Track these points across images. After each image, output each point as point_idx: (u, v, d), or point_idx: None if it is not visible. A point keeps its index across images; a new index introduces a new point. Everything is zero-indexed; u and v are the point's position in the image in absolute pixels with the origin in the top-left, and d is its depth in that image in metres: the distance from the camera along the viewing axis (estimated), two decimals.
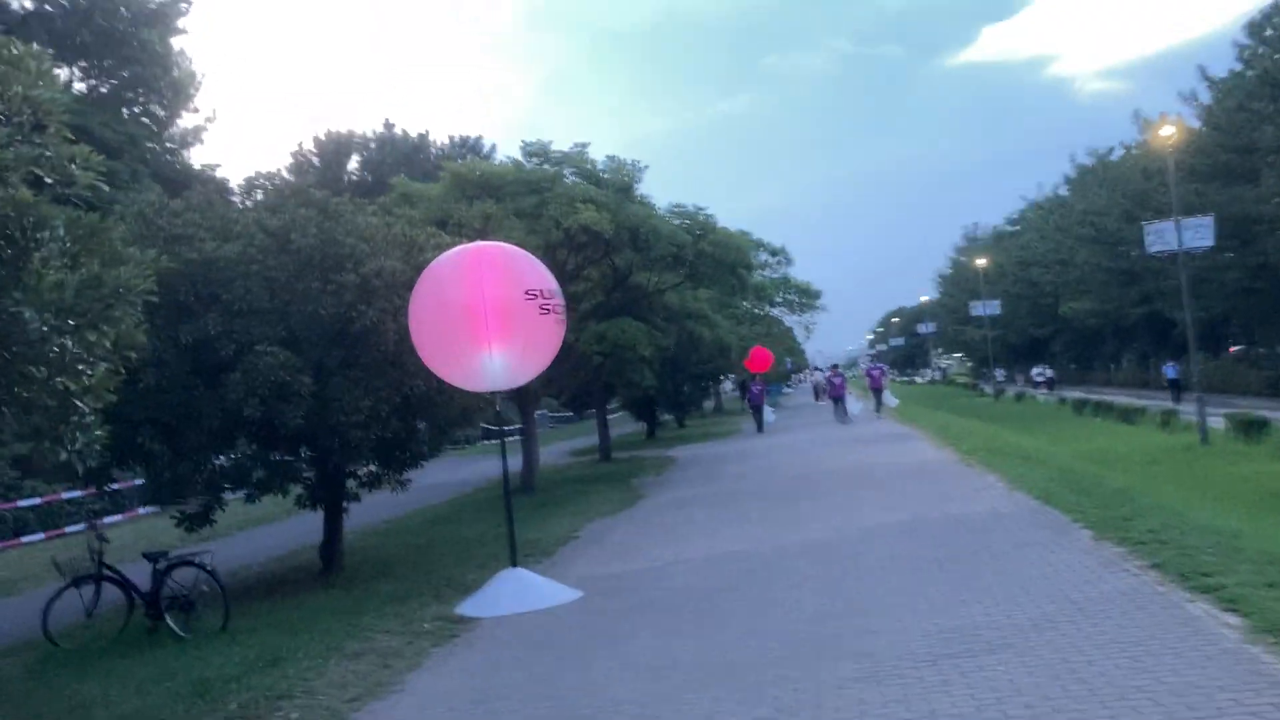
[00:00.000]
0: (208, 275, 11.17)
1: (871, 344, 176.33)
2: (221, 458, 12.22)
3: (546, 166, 21.76)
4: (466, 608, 10.63)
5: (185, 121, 39.34)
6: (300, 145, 64.38)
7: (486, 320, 10.24)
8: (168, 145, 36.33)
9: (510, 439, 38.33)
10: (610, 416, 52.40)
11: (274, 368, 10.88)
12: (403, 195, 21.22)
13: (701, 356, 33.64)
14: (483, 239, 20.19)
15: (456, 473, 33.18)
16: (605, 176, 21.49)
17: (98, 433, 6.65)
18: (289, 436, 11.87)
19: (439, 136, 63.93)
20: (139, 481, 16.19)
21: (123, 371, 6.60)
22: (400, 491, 13.66)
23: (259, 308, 11.26)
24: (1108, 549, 9.66)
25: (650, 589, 10.67)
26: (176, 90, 35.22)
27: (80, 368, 6.14)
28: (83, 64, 34.16)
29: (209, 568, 10.59)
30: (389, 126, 62.73)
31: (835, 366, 44.04)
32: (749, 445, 31.59)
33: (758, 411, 38.16)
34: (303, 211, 12.17)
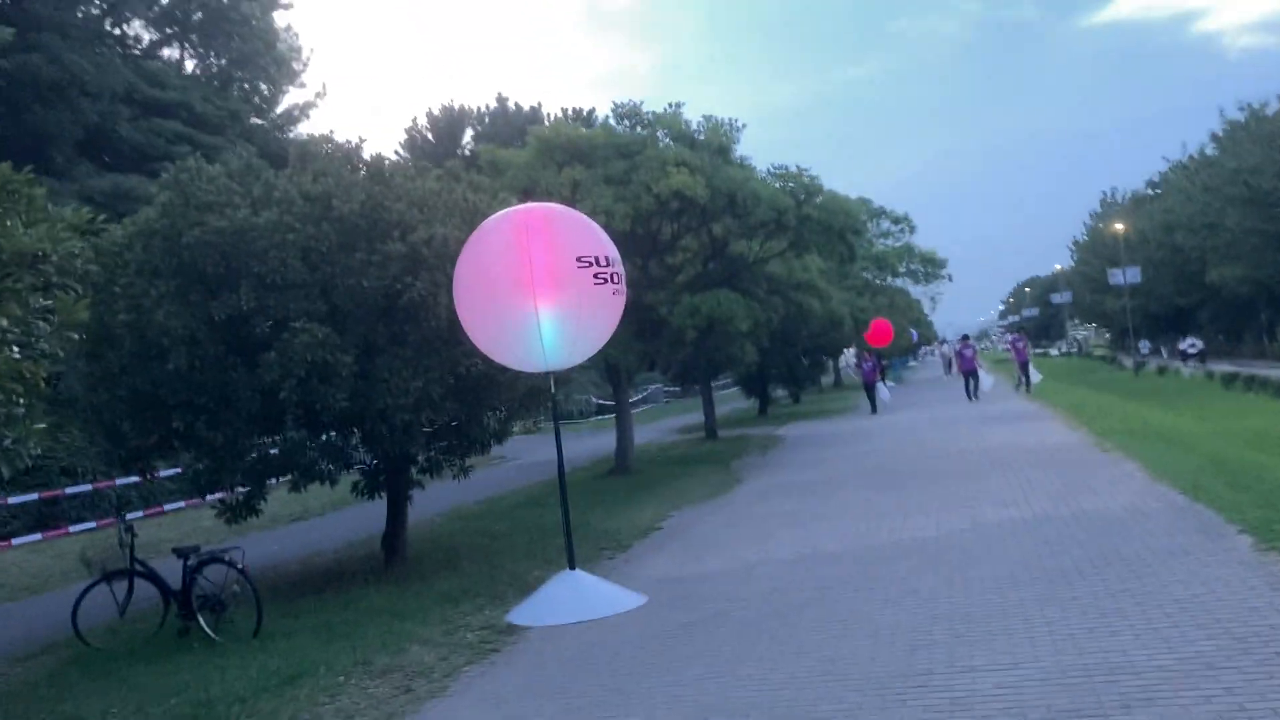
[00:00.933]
0: (239, 246, 10.22)
1: (1003, 315, 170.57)
2: (267, 443, 11.34)
3: (639, 130, 20.43)
4: (517, 615, 9.49)
5: (293, 98, 39.39)
6: (414, 120, 64.53)
7: (533, 292, 9.02)
8: (274, 121, 36.24)
9: (590, 419, 37.28)
10: (724, 391, 51.10)
11: (311, 346, 9.89)
12: (490, 163, 20.20)
13: (812, 330, 31.92)
14: (570, 207, 19.14)
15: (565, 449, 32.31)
16: (701, 138, 20.04)
17: (38, 426, 5.65)
18: (334, 421, 10.91)
19: (553, 109, 63.26)
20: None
21: (60, 354, 5.56)
22: (462, 479, 12.56)
23: (296, 280, 10.27)
24: (1276, 562, 7.92)
25: (724, 598, 9.35)
26: (280, 66, 35.07)
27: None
28: (191, 38, 34.29)
29: (239, 565, 9.67)
30: (502, 100, 62.29)
31: (965, 337, 40.64)
32: (864, 424, 29.83)
33: (870, 390, 35.24)
34: (348, 175, 11.14)
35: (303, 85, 37.77)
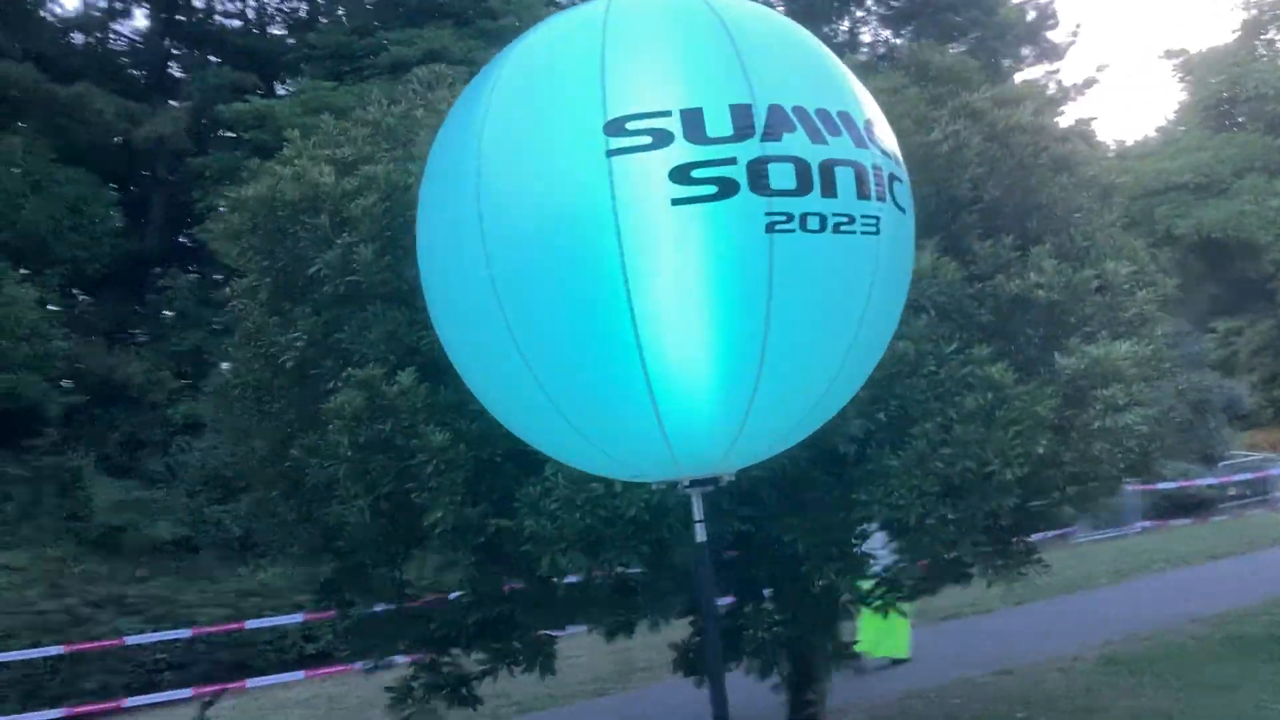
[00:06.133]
0: (286, 221, 5.67)
1: None
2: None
3: None
4: None
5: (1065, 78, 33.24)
6: None
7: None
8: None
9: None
10: None
11: (356, 403, 4.92)
12: None
13: None
14: None
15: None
16: None
17: None
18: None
19: None
20: None
21: None
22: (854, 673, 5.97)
23: (372, 286, 5.33)
24: None
25: None
26: (1012, 39, 29.58)
27: None
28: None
29: None
30: None
31: None
32: None
33: None
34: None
35: (1057, 61, 31.67)
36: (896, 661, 11.32)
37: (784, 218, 2.74)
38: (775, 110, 2.79)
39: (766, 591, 6.13)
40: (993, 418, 5.30)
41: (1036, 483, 5.69)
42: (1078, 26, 31.98)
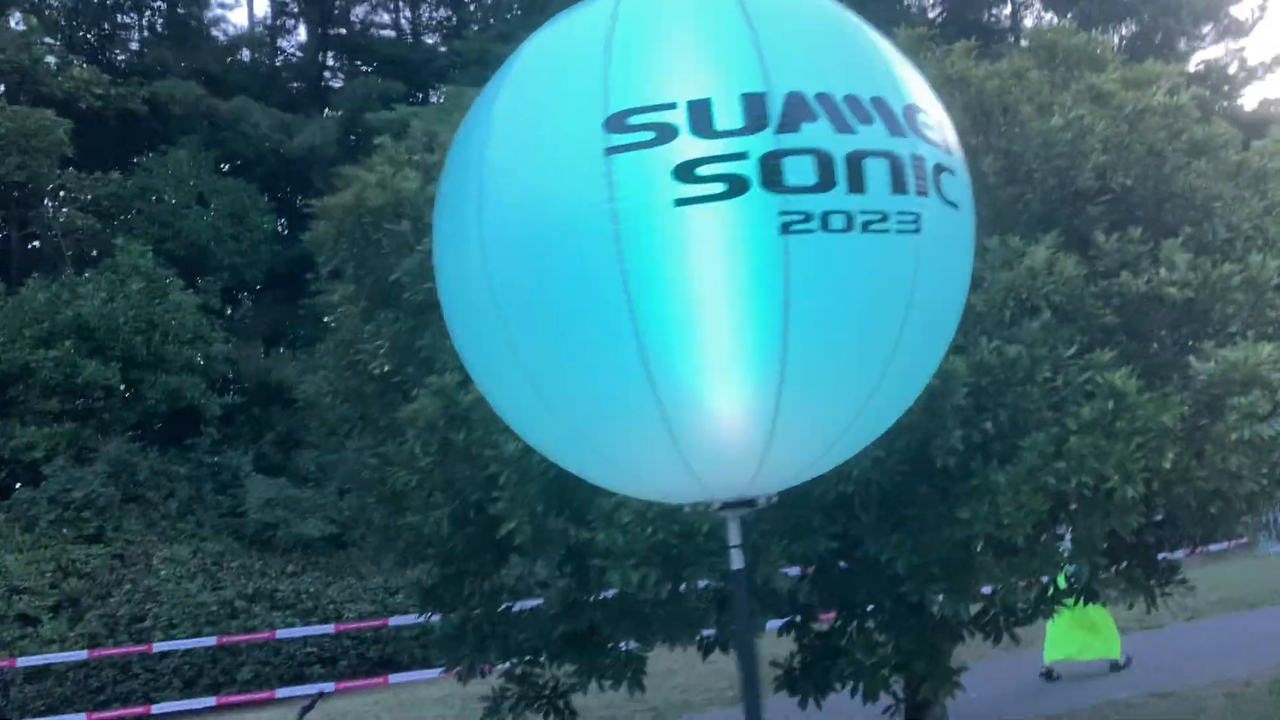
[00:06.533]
0: (383, 237, 5.63)
1: None
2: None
3: None
4: None
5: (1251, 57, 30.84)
6: None
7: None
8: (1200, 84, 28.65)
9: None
10: None
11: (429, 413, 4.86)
12: None
13: None
14: None
15: None
16: None
17: None
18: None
19: None
20: None
21: None
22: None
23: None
24: None
25: None
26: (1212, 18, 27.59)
27: None
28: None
29: None
30: None
31: None
32: None
33: None
34: None
35: (1241, 39, 29.36)
36: (1115, 666, 10.69)
37: (801, 217, 2.47)
38: (794, 98, 2.53)
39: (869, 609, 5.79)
40: (1113, 428, 4.85)
41: (1165, 500, 5.17)
42: (1262, 3, 29.56)
